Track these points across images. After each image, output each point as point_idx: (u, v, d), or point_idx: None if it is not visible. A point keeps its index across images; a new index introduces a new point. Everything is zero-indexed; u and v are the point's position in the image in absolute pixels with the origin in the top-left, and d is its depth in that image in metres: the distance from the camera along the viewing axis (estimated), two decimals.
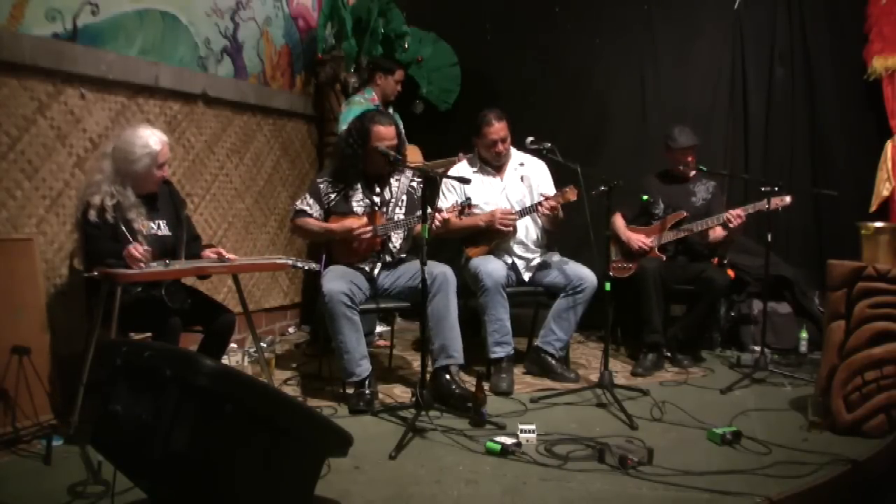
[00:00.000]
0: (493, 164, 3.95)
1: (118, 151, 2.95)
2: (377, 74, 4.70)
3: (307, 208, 3.52)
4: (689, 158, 4.16)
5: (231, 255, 3.16)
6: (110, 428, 1.92)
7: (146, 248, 2.82)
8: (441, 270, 3.37)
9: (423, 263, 3.05)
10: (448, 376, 3.32)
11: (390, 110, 4.66)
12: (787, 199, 3.81)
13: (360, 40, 4.92)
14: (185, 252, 3.11)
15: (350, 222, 3.45)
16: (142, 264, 2.77)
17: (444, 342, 3.34)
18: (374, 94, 4.65)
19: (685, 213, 4.13)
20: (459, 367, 3.42)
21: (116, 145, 2.99)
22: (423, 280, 3.07)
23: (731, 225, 3.92)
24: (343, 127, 4.46)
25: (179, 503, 1.92)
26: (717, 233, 4.08)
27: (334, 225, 3.47)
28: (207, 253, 3.15)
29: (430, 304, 3.28)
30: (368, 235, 3.44)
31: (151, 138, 2.95)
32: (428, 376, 3.21)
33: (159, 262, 2.88)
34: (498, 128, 3.83)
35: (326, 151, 5.11)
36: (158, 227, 3.06)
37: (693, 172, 4.25)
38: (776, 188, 3.80)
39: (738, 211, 3.91)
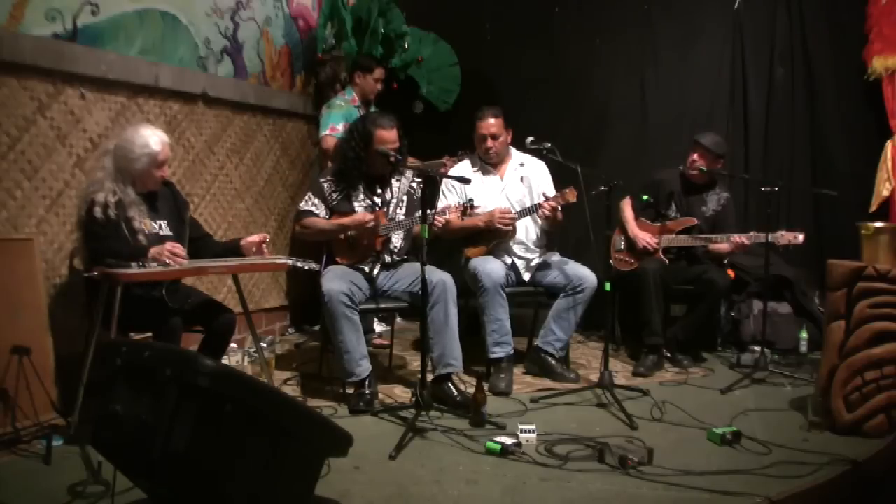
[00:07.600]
0: (490, 163, 3.94)
1: (119, 149, 2.97)
2: (356, 73, 4.62)
3: (314, 208, 3.51)
4: (694, 158, 4.12)
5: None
6: (110, 428, 1.92)
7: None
8: (440, 278, 3.35)
9: (423, 264, 3.06)
10: (449, 384, 3.33)
11: (371, 109, 4.57)
12: (801, 237, 3.76)
13: (360, 40, 4.91)
14: (208, 249, 3.17)
15: (361, 215, 3.44)
16: (181, 260, 2.85)
17: (443, 351, 3.33)
18: (354, 94, 4.59)
19: (695, 221, 4.12)
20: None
21: (118, 143, 3.01)
22: (424, 280, 3.07)
23: (735, 250, 3.96)
24: (324, 132, 4.46)
25: (179, 503, 1.92)
26: (721, 247, 4.06)
27: (346, 220, 3.45)
28: (249, 240, 3.18)
29: (429, 313, 3.27)
30: (380, 224, 3.45)
31: (152, 138, 2.96)
32: (428, 377, 3.20)
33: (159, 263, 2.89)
34: (490, 124, 3.82)
35: (315, 154, 5.05)
36: (160, 226, 3.06)
37: (702, 178, 4.25)
38: (776, 188, 3.79)
39: (745, 240, 3.90)
